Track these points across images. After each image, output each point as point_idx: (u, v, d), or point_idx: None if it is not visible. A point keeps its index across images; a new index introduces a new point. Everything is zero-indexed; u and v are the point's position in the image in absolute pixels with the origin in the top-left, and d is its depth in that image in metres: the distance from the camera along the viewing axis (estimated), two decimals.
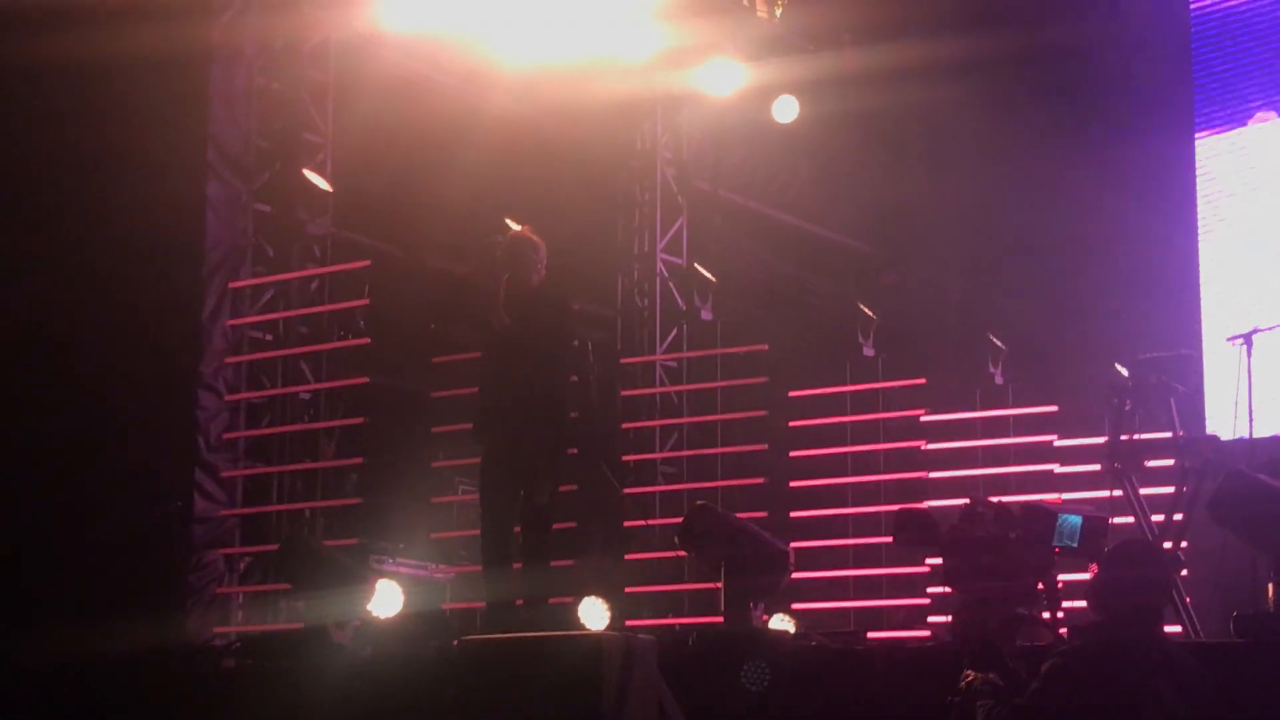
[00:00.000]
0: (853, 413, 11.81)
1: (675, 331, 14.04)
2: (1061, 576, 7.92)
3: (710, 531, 8.94)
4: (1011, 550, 7.77)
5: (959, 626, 7.75)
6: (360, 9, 11.22)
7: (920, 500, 10.67)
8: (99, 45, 9.88)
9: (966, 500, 8.21)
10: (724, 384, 12.33)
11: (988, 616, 7.61)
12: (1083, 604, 6.60)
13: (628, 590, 10.80)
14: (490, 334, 8.66)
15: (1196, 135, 13.46)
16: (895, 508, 9.00)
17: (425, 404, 11.34)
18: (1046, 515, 7.88)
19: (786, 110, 13.23)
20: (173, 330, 10.65)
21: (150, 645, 9.20)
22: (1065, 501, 8.61)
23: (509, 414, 8.52)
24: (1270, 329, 9.00)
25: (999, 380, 12.28)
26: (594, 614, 8.21)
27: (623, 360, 13.09)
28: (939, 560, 8.27)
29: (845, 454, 11.78)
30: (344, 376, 10.84)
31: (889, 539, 9.08)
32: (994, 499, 8.25)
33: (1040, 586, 7.80)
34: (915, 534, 8.29)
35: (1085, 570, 7.72)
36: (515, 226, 11.01)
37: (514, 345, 8.55)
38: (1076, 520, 7.80)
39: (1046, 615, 7.82)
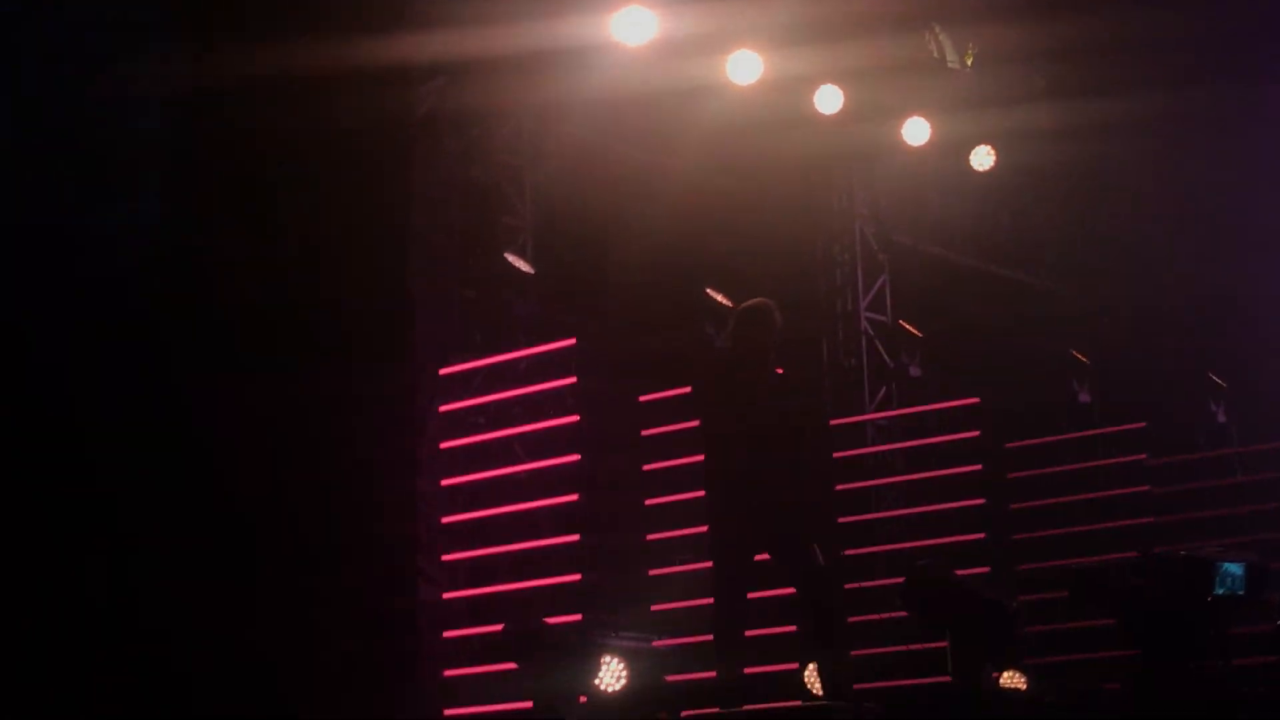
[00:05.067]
0: (1071, 461, 11.60)
1: (884, 390, 13.94)
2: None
3: (932, 591, 8.81)
4: (1179, 604, 7.55)
5: None
6: (550, 83, 11.34)
7: (1150, 548, 10.41)
8: (306, 151, 10.17)
9: (1134, 554, 8.01)
10: (938, 439, 12.19)
11: None
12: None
13: (853, 654, 10.67)
14: (746, 418, 8.36)
15: None
16: (1118, 556, 8.81)
17: (640, 479, 11.39)
18: (1206, 565, 7.64)
19: (983, 160, 13.11)
20: (389, 418, 10.82)
21: None
22: (1228, 547, 8.33)
23: (757, 496, 8.25)
24: None
25: (1221, 419, 11.98)
26: (819, 680, 8.13)
27: (832, 422, 13.01)
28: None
29: (1066, 503, 11.58)
30: (556, 455, 10.92)
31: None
32: (1160, 549, 8.02)
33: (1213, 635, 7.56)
34: (1085, 593, 8.10)
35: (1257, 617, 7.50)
36: (718, 297, 11.05)
37: (769, 429, 8.31)
38: (1238, 568, 7.55)
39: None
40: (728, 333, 8.62)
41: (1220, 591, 7.58)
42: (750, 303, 8.56)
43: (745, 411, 8.30)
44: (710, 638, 8.59)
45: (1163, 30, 12.49)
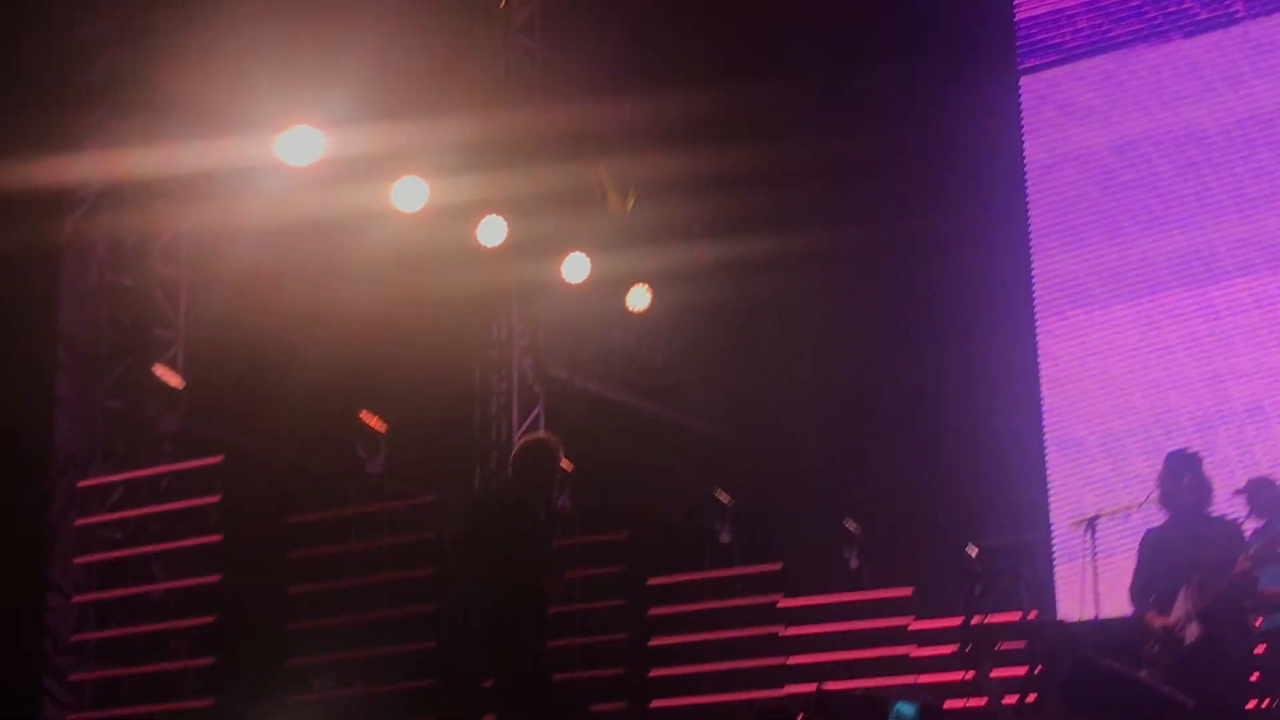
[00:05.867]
0: (711, 599, 11.86)
1: None
2: None
3: None
4: None
5: None
6: (211, 204, 11.23)
7: (779, 687, 10.70)
8: None
9: (813, 689, 8.32)
10: (583, 573, 12.31)
11: None
12: None
13: None
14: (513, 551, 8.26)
15: (1038, 321, 13.89)
16: (750, 695, 9.06)
17: (280, 600, 11.20)
18: (880, 705, 8.00)
19: (639, 299, 13.42)
20: (20, 531, 10.45)
21: None
22: (903, 688, 8.73)
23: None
24: (1113, 512, 9.22)
25: (854, 564, 12.41)
26: None
27: None
28: None
29: (704, 641, 11.80)
30: (196, 575, 10.67)
31: None
32: (836, 687, 8.35)
33: None
34: None
35: None
36: (372, 420, 11.02)
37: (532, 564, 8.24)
38: (911, 709, 7.91)
39: None
40: (508, 467, 8.53)
41: None
42: (532, 437, 8.63)
43: (513, 545, 8.19)
44: None
45: (820, 166, 13.08)
